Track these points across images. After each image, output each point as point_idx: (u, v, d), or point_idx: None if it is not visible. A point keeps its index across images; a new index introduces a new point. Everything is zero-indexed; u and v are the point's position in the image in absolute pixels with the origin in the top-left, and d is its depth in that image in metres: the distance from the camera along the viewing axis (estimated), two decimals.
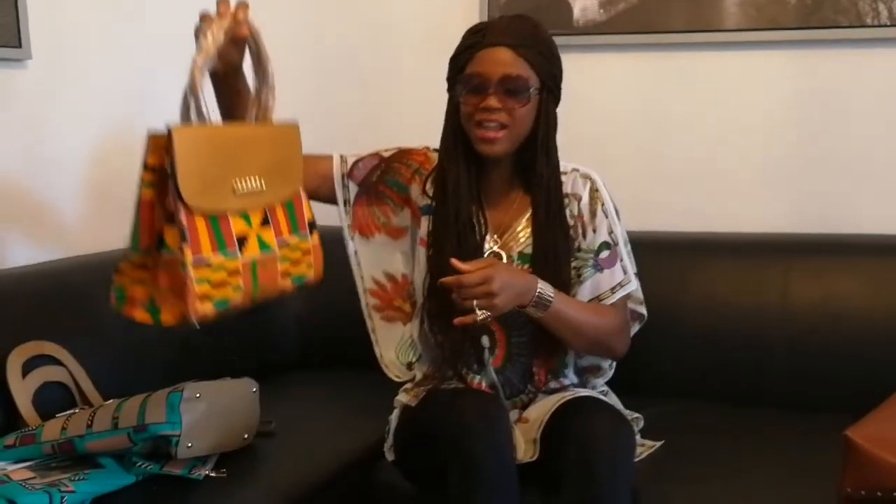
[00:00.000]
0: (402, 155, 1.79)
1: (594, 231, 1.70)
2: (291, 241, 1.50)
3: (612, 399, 1.79)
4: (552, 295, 1.58)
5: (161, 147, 1.34)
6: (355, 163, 1.79)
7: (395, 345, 1.83)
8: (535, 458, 1.58)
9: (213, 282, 1.36)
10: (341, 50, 2.62)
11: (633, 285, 1.72)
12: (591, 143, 2.29)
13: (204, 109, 1.38)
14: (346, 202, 1.78)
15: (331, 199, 1.80)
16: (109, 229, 2.20)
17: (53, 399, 1.71)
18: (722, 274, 2.10)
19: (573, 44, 2.33)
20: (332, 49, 2.63)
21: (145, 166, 1.36)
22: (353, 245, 1.79)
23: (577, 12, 2.35)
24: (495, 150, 1.63)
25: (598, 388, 1.80)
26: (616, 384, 1.83)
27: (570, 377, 1.77)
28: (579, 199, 1.70)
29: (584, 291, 1.69)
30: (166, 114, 2.14)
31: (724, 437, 1.84)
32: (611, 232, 1.70)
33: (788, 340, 2.00)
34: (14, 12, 1.92)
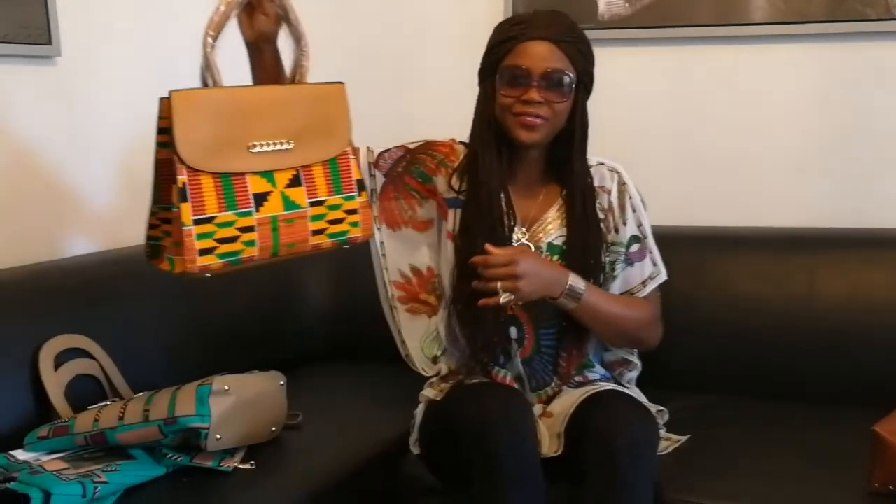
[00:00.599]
0: (428, 146, 1.80)
1: (624, 224, 1.71)
2: (331, 200, 1.54)
3: (635, 391, 1.79)
4: (583, 288, 1.60)
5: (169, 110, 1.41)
6: (381, 153, 1.80)
7: (419, 338, 1.84)
8: (559, 453, 1.58)
9: (218, 237, 1.42)
10: (367, 48, 2.63)
11: (664, 276, 1.75)
12: (616, 138, 2.27)
13: (212, 74, 1.47)
14: (372, 192, 1.78)
15: None
16: (139, 223, 2.22)
17: (85, 391, 1.74)
18: (748, 268, 2.10)
19: (598, 38, 2.29)
20: (359, 47, 2.63)
21: (159, 129, 1.43)
22: (380, 236, 1.79)
23: (601, 6, 2.35)
24: (534, 137, 1.64)
25: (626, 380, 1.80)
26: (640, 378, 1.83)
27: (598, 370, 1.77)
28: (609, 193, 1.72)
29: (616, 285, 1.72)
30: None
31: (750, 431, 1.84)
32: (639, 225, 1.72)
33: (815, 334, 1.99)
34: (44, 10, 1.94)
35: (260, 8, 1.52)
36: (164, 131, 1.43)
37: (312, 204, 1.52)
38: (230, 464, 1.60)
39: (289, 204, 1.49)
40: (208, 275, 1.45)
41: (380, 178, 1.79)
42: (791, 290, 2.03)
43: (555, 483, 1.54)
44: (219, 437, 1.57)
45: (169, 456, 1.59)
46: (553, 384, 1.74)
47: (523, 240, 1.70)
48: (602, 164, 1.73)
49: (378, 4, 2.61)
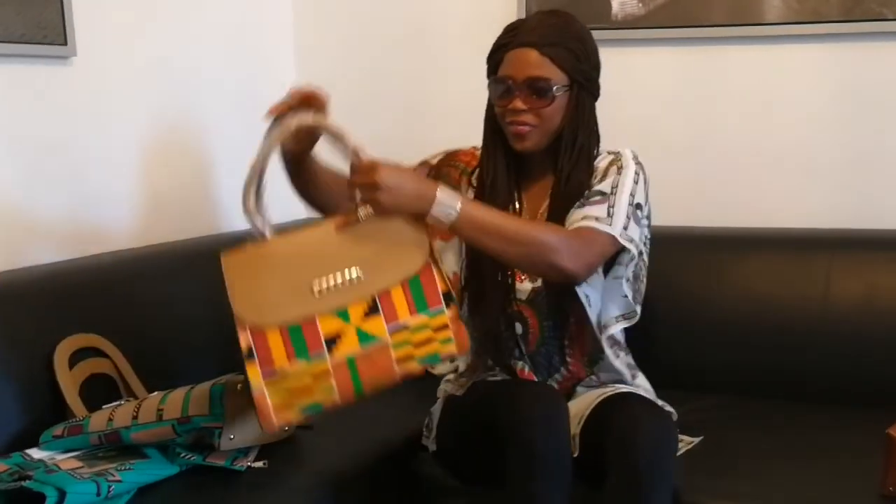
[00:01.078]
0: (450, 158, 1.81)
1: (600, 185, 1.63)
2: (415, 321, 1.40)
3: (641, 380, 1.77)
4: (458, 202, 1.46)
5: None
6: None
7: None
8: (575, 455, 1.58)
9: (292, 390, 1.36)
10: (382, 48, 2.63)
11: (611, 230, 1.57)
12: (628, 137, 2.26)
13: (258, 230, 1.44)
14: None
15: None
16: (152, 224, 2.24)
17: (99, 391, 1.75)
18: (763, 269, 2.09)
19: (611, 38, 2.32)
20: (373, 47, 2.64)
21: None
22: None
23: (615, 6, 2.34)
24: (526, 146, 1.66)
25: (636, 382, 1.79)
26: (654, 379, 1.82)
27: (608, 366, 1.73)
28: (597, 173, 1.66)
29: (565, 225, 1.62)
30: (206, 112, 2.18)
31: (763, 432, 1.83)
32: (614, 186, 1.62)
33: (830, 336, 1.98)
34: (60, 10, 1.95)
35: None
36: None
37: (393, 331, 1.39)
38: (243, 463, 1.61)
39: (365, 338, 1.37)
40: (286, 429, 1.42)
41: None
42: (806, 292, 2.02)
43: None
44: (232, 436, 1.58)
45: (182, 455, 1.60)
46: (562, 375, 1.73)
47: None
48: (612, 153, 1.70)
49: (392, 16, 2.61)
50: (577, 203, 1.63)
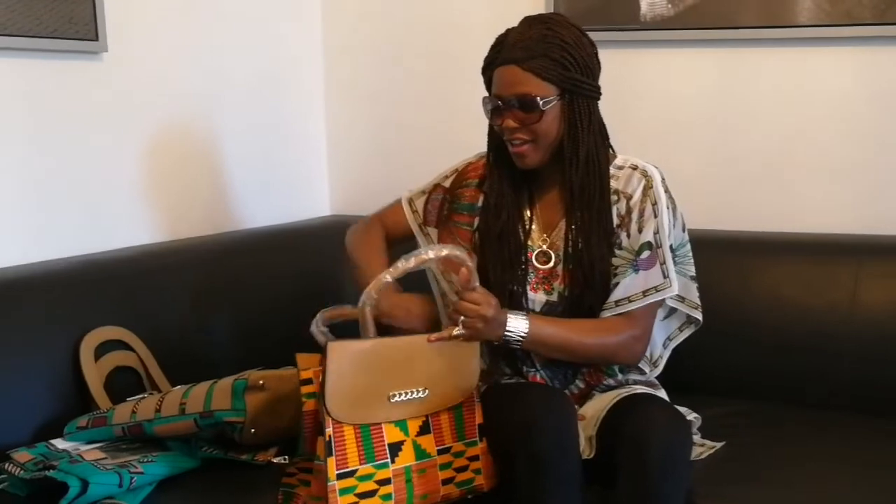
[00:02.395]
0: (461, 178, 1.80)
1: (640, 231, 1.65)
2: (456, 447, 1.53)
3: (661, 393, 1.77)
4: (525, 329, 1.56)
5: (315, 362, 1.46)
6: (425, 207, 1.82)
7: None
8: (591, 456, 1.57)
9: (359, 492, 1.43)
10: (408, 55, 2.63)
11: (672, 290, 1.66)
12: (657, 139, 2.26)
13: (367, 330, 1.52)
14: None
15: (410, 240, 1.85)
16: (179, 218, 2.26)
17: (123, 383, 1.77)
18: (791, 273, 2.07)
19: (640, 39, 2.31)
20: (398, 51, 2.64)
21: (301, 380, 1.48)
22: (444, 285, 1.78)
23: (644, 7, 2.32)
24: (527, 164, 1.66)
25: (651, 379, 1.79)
26: (677, 384, 1.81)
27: (620, 377, 1.75)
28: (629, 198, 1.66)
29: (617, 292, 1.65)
30: (232, 110, 2.19)
31: (788, 439, 1.81)
32: (656, 232, 1.65)
33: (857, 342, 1.95)
34: (92, 6, 1.97)
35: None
36: (307, 382, 1.47)
37: (440, 452, 1.51)
38: (264, 457, 1.62)
39: (420, 453, 1.49)
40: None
41: (433, 232, 1.81)
42: (834, 297, 1.99)
43: (586, 486, 1.53)
44: (253, 431, 1.59)
45: (204, 449, 1.61)
46: (576, 385, 1.73)
47: (544, 247, 1.70)
48: (635, 167, 1.68)
49: (421, 19, 2.61)
50: (627, 257, 1.65)
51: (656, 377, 1.81)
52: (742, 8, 2.24)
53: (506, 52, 1.61)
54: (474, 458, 1.55)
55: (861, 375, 1.95)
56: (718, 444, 1.74)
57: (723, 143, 2.33)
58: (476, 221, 1.75)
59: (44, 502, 1.44)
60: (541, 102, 1.59)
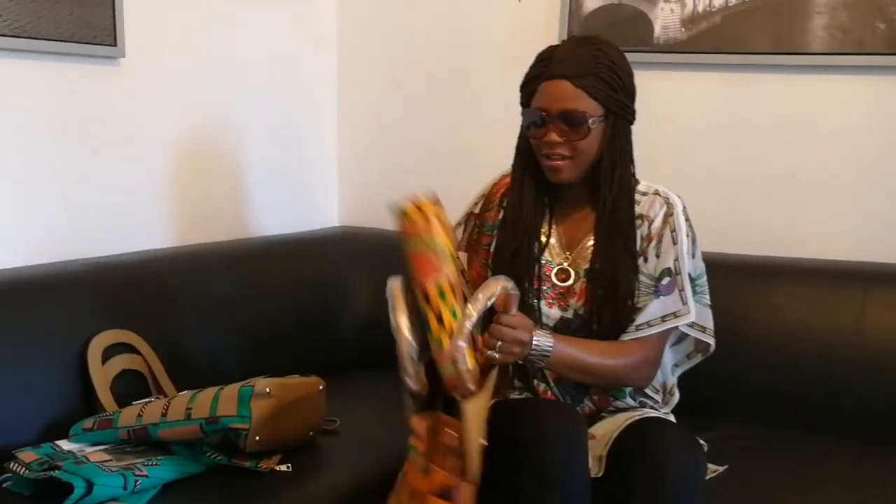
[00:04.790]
0: (488, 201, 1.80)
1: (658, 256, 1.67)
2: None
3: (671, 419, 1.78)
4: (551, 348, 1.56)
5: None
6: (454, 233, 1.82)
7: None
8: (600, 475, 1.57)
9: None
10: (419, 70, 2.65)
11: (690, 317, 1.68)
12: (667, 162, 2.27)
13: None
14: (462, 272, 1.76)
15: None
16: (189, 223, 2.28)
17: (130, 386, 1.78)
18: (796, 298, 2.07)
19: (653, 61, 2.33)
20: (413, 65, 2.66)
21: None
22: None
23: (657, 30, 2.35)
24: (562, 179, 1.66)
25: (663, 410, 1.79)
26: (684, 407, 1.81)
27: (630, 401, 1.76)
28: (651, 222, 1.68)
29: (639, 316, 1.66)
30: (246, 118, 2.22)
31: (792, 463, 1.81)
32: (676, 260, 1.67)
33: (863, 369, 1.95)
34: (111, 12, 1.99)
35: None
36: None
37: None
38: (267, 465, 1.62)
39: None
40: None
41: (463, 257, 1.80)
42: (839, 324, 2.00)
43: None
44: (258, 438, 1.60)
45: (208, 454, 1.62)
46: (586, 404, 1.74)
47: (564, 264, 1.71)
48: (658, 193, 1.70)
49: (433, 35, 2.63)
50: (648, 283, 1.65)
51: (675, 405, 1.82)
52: (755, 34, 2.26)
53: (556, 67, 1.60)
54: None
55: (866, 402, 1.95)
56: (721, 468, 1.74)
57: (732, 166, 2.35)
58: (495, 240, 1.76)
59: (47, 502, 1.44)
60: (590, 120, 1.60)
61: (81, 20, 1.94)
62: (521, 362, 1.61)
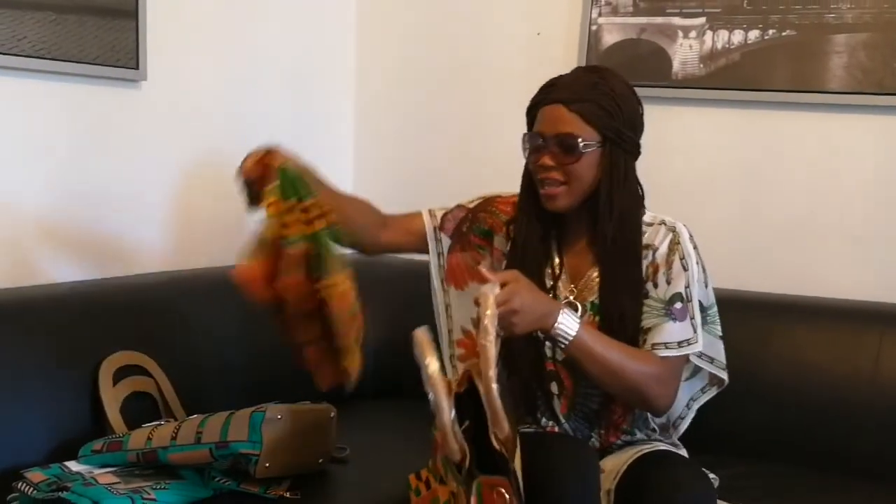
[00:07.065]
0: (487, 204, 1.81)
1: (668, 282, 1.64)
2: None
3: (682, 452, 1.76)
4: (575, 330, 1.53)
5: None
6: (444, 216, 1.83)
7: None
8: None
9: None
10: (437, 102, 2.67)
11: (697, 347, 1.64)
12: (683, 196, 2.27)
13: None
14: (439, 255, 1.81)
15: (418, 251, 1.85)
16: (200, 247, 2.28)
17: (140, 409, 1.77)
18: (813, 338, 2.06)
19: (671, 96, 2.33)
20: (428, 100, 2.68)
21: None
22: (447, 298, 1.81)
23: (676, 65, 2.35)
24: (556, 206, 1.65)
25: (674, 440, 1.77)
26: (696, 443, 1.79)
27: (639, 434, 1.74)
28: (655, 250, 1.66)
29: (655, 334, 1.62)
30: (269, 138, 2.21)
31: (806, 503, 1.79)
32: (687, 286, 1.64)
33: (880, 410, 1.93)
34: (135, 36, 2.01)
35: None
36: None
37: None
38: (276, 492, 1.61)
39: None
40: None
41: (446, 241, 1.81)
42: (856, 364, 1.98)
43: None
44: (268, 464, 1.58)
45: (217, 479, 1.60)
46: (594, 441, 1.72)
47: (570, 297, 1.70)
48: (664, 223, 1.68)
49: (451, 69, 2.65)
50: (657, 307, 1.63)
51: (678, 438, 1.79)
52: (773, 71, 2.26)
53: (556, 92, 1.62)
54: None
55: (882, 443, 1.92)
56: None
57: (747, 203, 2.34)
58: (490, 247, 1.77)
59: None
60: (581, 144, 1.59)
61: (105, 43, 1.96)
62: (543, 336, 1.57)
